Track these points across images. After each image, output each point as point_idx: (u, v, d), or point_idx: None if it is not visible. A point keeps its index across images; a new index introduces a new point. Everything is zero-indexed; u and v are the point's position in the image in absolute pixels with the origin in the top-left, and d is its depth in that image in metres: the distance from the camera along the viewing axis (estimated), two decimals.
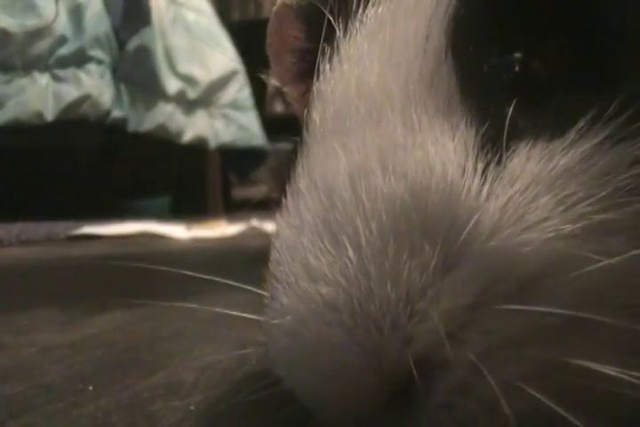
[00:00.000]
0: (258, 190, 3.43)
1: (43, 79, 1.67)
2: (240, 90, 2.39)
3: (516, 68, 0.22)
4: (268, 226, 1.61)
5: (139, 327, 0.47)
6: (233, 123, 2.34)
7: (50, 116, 1.66)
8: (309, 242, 0.22)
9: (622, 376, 0.19)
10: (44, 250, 1.33)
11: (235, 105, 2.36)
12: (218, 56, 2.28)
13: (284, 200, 0.25)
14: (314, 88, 0.26)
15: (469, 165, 0.21)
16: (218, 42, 2.31)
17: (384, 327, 0.20)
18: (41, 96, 1.64)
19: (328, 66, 0.26)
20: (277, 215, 0.25)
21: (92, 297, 0.63)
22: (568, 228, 0.20)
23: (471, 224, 0.20)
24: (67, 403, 0.31)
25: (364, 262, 0.21)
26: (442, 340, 0.19)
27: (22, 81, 1.62)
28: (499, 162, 0.21)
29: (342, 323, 0.21)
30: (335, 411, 0.22)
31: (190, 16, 2.21)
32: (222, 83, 2.30)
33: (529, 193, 0.21)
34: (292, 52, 0.34)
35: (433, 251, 0.20)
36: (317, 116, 0.25)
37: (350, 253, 0.21)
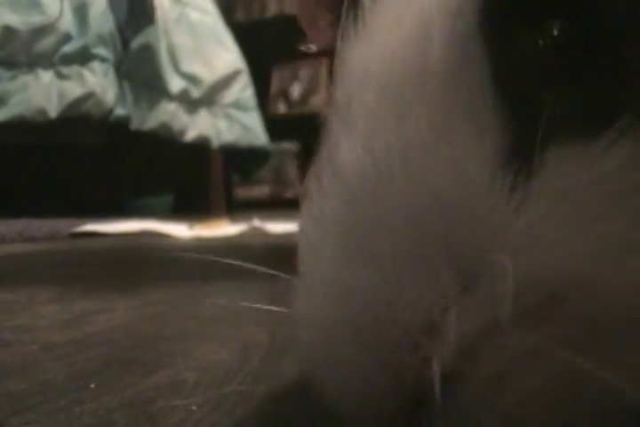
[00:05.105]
0: (260, 190, 3.44)
1: (46, 76, 1.67)
2: (243, 90, 2.39)
3: (553, 51, 0.20)
4: (270, 226, 1.61)
5: (141, 326, 0.47)
6: (236, 122, 2.34)
7: (53, 113, 1.66)
8: (330, 250, 0.21)
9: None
10: (47, 247, 1.33)
11: (238, 105, 2.36)
12: (221, 55, 2.28)
13: (309, 185, 0.24)
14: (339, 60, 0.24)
15: (497, 176, 0.19)
16: (222, 41, 2.32)
17: (405, 347, 0.20)
18: (45, 93, 1.64)
19: (351, 42, 0.24)
20: (304, 200, 0.25)
21: (94, 295, 0.63)
22: (601, 248, 0.18)
23: (495, 244, 0.19)
24: (68, 401, 0.31)
25: (384, 281, 0.20)
26: (461, 358, 0.19)
27: (26, 78, 1.63)
28: (529, 172, 0.19)
29: (362, 342, 0.20)
30: (359, 416, 0.22)
31: (194, 15, 2.21)
32: (225, 82, 2.30)
33: (559, 208, 0.19)
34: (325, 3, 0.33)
35: (453, 270, 0.19)
36: (340, 98, 0.24)
37: (369, 268, 0.20)
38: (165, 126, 2.03)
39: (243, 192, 3.37)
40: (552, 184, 0.19)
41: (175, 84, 2.06)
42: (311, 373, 0.23)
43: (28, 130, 1.70)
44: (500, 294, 0.19)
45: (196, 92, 2.16)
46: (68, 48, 1.71)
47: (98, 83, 1.76)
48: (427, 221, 0.20)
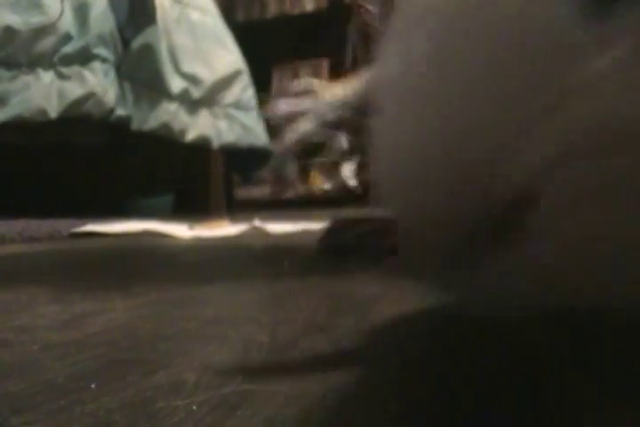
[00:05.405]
0: (260, 190, 3.45)
1: (47, 76, 1.67)
2: (244, 90, 2.39)
3: None
4: (271, 226, 1.61)
5: (141, 326, 0.47)
6: (236, 123, 2.34)
7: (53, 113, 1.66)
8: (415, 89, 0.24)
9: None
10: (47, 247, 1.33)
11: (238, 105, 2.36)
12: (222, 56, 2.28)
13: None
14: None
15: (580, 14, 0.21)
16: (222, 41, 2.32)
17: (484, 171, 0.22)
18: (45, 93, 1.64)
19: None
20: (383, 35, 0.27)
21: (94, 295, 0.63)
22: None
23: (573, 80, 0.20)
24: (69, 401, 0.31)
25: (465, 116, 0.22)
26: (536, 177, 0.21)
27: (26, 78, 1.63)
28: (609, 14, 0.20)
29: (448, 167, 0.23)
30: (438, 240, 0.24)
31: (195, 15, 2.21)
32: (226, 82, 2.30)
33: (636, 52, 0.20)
34: None
35: (528, 102, 0.21)
36: None
37: (452, 107, 0.23)
38: (166, 127, 2.03)
39: (243, 192, 3.37)
40: (631, 23, 0.20)
41: (176, 84, 2.06)
42: (397, 202, 0.25)
43: (28, 130, 1.70)
44: (572, 127, 0.20)
45: (196, 93, 2.16)
46: (68, 48, 1.71)
47: (98, 83, 1.76)
48: (511, 57, 0.21)
